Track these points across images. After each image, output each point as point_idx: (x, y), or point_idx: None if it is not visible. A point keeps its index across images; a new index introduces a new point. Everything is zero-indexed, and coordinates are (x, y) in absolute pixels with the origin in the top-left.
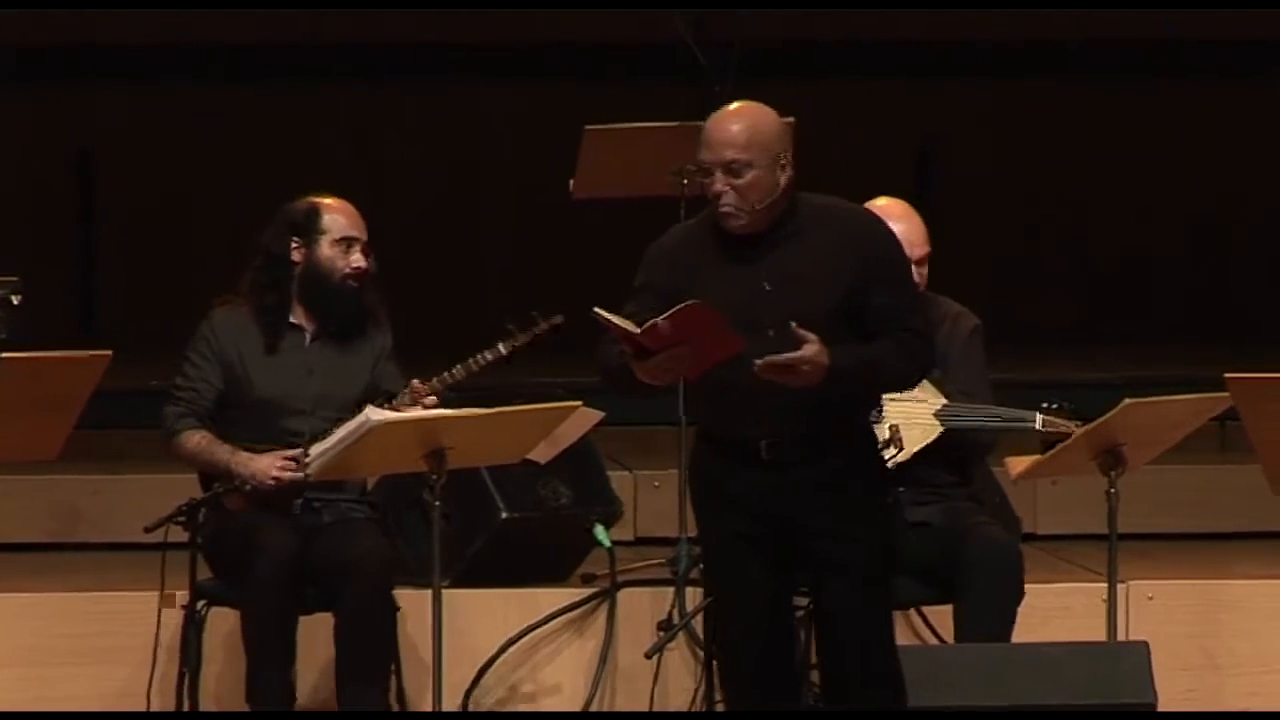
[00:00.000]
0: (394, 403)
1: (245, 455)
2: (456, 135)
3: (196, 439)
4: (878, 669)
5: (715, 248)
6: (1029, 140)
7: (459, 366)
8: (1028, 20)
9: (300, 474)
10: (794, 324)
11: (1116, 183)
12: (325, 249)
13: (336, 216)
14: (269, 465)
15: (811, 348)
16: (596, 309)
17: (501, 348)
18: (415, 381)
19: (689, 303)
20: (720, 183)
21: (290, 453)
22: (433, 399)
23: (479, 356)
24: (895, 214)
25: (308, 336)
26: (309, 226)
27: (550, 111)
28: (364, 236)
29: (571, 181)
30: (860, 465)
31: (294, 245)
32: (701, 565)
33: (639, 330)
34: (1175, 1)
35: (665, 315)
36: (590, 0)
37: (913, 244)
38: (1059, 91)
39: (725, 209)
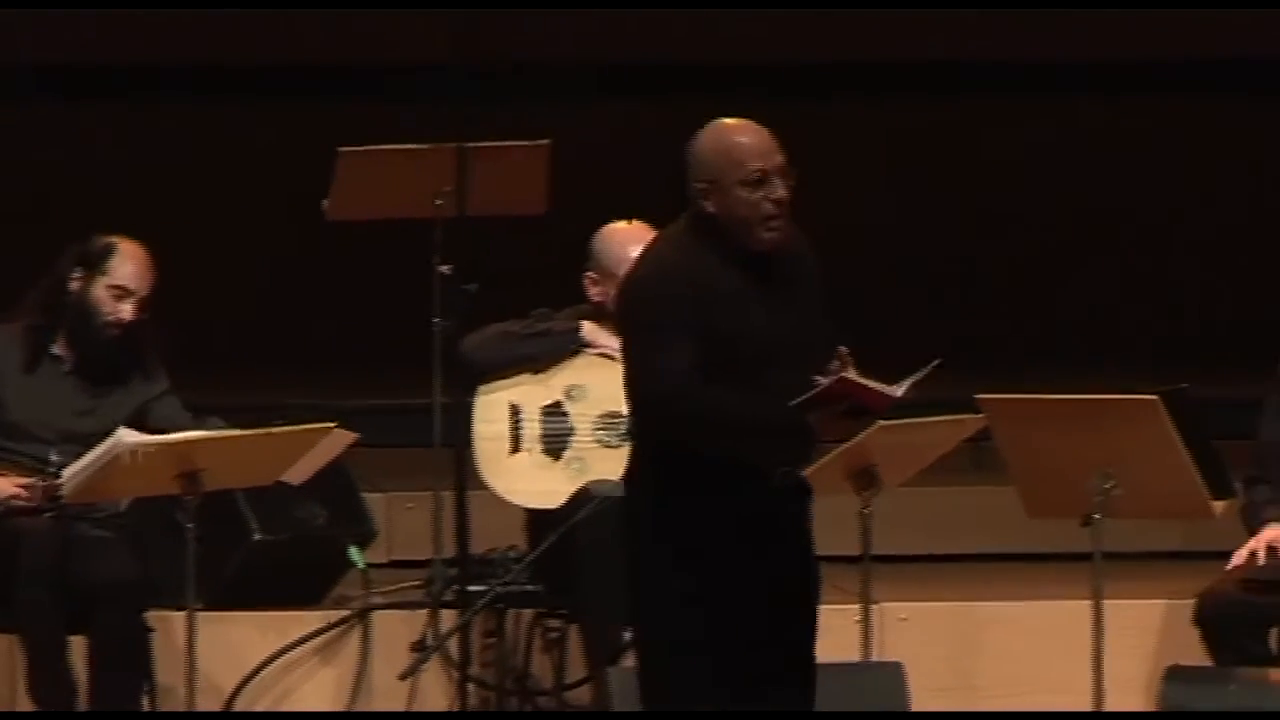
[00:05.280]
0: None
1: None
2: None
3: None
4: None
5: (734, 272)
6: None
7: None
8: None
9: (34, 504)
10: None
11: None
12: (99, 290)
13: (124, 263)
14: (3, 488)
15: None
16: (845, 375)
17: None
18: None
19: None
20: (783, 189)
21: (27, 481)
22: None
23: None
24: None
25: (65, 368)
26: (96, 262)
27: (302, 133)
28: (144, 292)
29: (324, 202)
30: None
31: (75, 276)
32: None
33: (899, 393)
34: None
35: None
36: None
37: None
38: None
39: (780, 220)
